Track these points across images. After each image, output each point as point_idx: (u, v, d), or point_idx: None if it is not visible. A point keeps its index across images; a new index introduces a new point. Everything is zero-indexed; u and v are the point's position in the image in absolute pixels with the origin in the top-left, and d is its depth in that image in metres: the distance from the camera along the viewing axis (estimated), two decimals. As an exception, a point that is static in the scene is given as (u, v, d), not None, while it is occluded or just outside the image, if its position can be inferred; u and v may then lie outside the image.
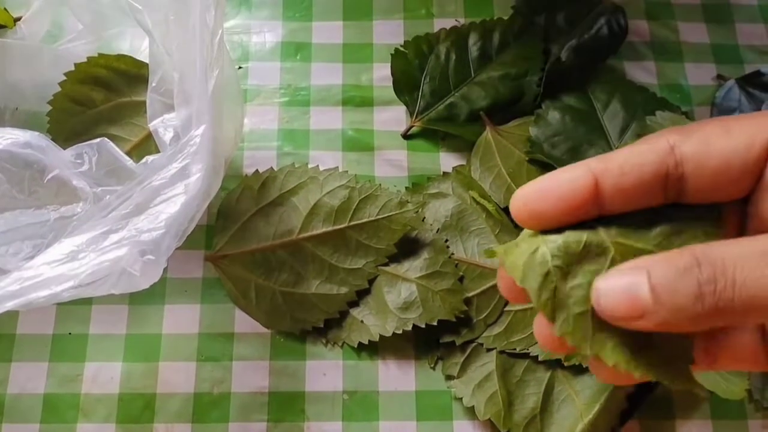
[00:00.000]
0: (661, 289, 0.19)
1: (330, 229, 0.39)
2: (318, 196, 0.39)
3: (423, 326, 0.38)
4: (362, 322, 0.39)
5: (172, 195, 0.31)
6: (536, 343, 0.38)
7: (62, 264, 0.29)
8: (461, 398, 0.38)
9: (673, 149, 0.21)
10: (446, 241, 0.40)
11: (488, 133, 0.43)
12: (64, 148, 0.36)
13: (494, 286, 0.39)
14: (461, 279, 0.39)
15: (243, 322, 0.40)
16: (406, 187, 0.43)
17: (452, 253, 0.40)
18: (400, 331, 0.38)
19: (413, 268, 0.39)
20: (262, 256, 0.39)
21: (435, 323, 0.38)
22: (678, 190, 0.22)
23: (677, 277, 0.19)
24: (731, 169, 0.21)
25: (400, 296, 0.39)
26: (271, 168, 0.41)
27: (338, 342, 0.40)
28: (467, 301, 0.38)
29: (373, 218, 0.39)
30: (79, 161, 0.34)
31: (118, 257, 0.30)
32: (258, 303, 0.39)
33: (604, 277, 0.20)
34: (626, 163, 0.21)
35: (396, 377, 0.39)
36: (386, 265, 0.39)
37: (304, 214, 0.39)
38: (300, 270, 0.39)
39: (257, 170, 0.41)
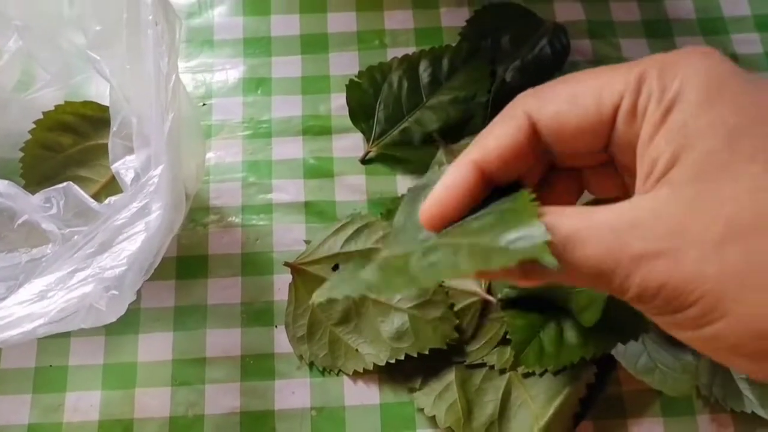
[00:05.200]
0: None
1: None
2: None
3: (415, 355, 0.40)
4: (357, 350, 0.41)
5: (133, 233, 0.33)
6: (490, 352, 0.40)
7: (33, 303, 0.32)
8: (423, 408, 0.40)
9: (532, 124, 0.24)
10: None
11: (441, 153, 0.45)
12: (38, 192, 0.38)
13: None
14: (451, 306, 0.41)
15: (214, 347, 0.42)
16: (381, 213, 0.44)
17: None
18: (393, 360, 0.40)
19: (405, 297, 0.41)
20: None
21: (426, 352, 0.40)
22: (548, 155, 0.25)
23: None
24: (585, 135, 0.23)
25: (393, 326, 0.40)
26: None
27: (334, 369, 0.41)
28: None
29: None
30: (47, 205, 0.36)
31: (85, 294, 0.32)
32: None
33: None
34: (498, 147, 0.24)
35: (361, 391, 0.41)
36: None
37: None
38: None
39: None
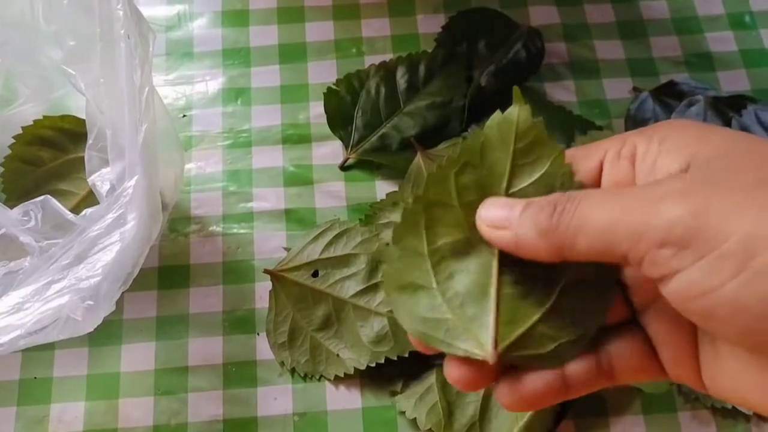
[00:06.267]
0: (530, 207, 0.23)
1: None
2: None
3: (395, 358, 0.40)
4: (338, 356, 0.41)
5: (108, 243, 0.34)
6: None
7: (9, 315, 0.32)
8: (404, 411, 0.40)
9: None
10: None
11: (419, 158, 0.46)
12: (18, 206, 0.39)
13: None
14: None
15: (196, 356, 0.42)
16: (360, 219, 0.45)
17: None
18: (374, 364, 0.40)
19: (384, 301, 0.41)
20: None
21: (406, 355, 0.40)
22: None
23: (544, 202, 0.23)
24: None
25: (372, 330, 0.41)
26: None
27: (315, 375, 0.42)
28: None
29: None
30: (25, 218, 0.36)
31: (61, 305, 0.32)
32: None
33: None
34: None
35: (343, 396, 0.41)
36: (359, 299, 0.41)
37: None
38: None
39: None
